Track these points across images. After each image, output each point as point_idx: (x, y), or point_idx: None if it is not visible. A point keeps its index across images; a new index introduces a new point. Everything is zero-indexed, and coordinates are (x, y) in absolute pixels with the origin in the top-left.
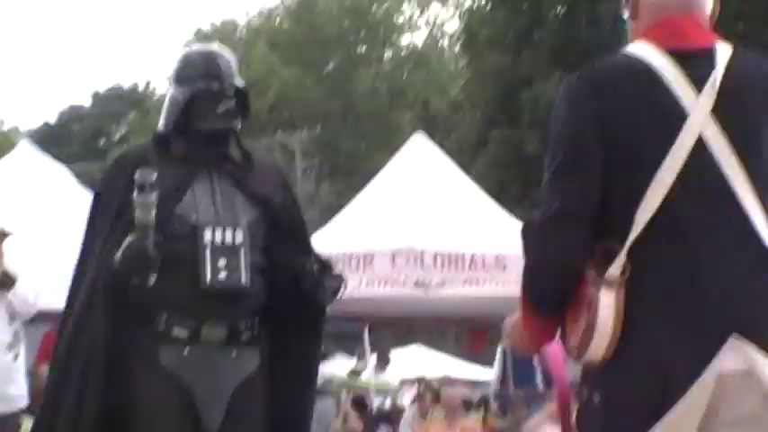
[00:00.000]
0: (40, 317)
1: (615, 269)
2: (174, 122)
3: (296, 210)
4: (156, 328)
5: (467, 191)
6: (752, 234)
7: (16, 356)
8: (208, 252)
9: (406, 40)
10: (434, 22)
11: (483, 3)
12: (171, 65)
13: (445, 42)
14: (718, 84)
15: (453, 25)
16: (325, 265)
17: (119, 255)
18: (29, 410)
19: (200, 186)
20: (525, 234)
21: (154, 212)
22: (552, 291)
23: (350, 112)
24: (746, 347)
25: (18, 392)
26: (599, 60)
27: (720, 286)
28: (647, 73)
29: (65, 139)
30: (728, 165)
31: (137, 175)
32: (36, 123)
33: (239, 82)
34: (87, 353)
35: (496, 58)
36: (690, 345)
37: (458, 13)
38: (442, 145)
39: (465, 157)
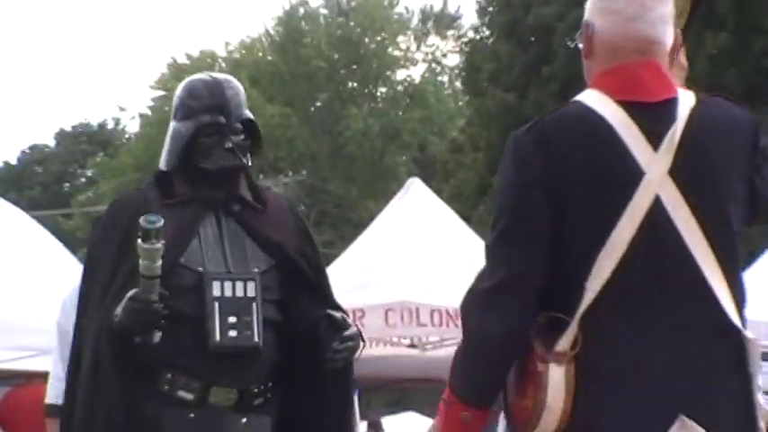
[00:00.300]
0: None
1: (565, 343)
2: (178, 160)
3: (314, 256)
4: (160, 391)
5: (467, 241)
6: (712, 303)
7: None
8: (216, 307)
9: (401, 75)
10: (433, 56)
11: (486, 35)
12: (173, 98)
13: (445, 78)
14: (677, 139)
15: (454, 59)
16: (338, 323)
17: (119, 309)
18: None
19: (207, 232)
20: (466, 306)
21: (160, 262)
22: (492, 372)
23: (339, 155)
24: (694, 429)
25: None
26: (549, 112)
27: (673, 362)
28: (599, 126)
29: (26, 182)
30: (687, 228)
31: (141, 221)
32: None
33: (248, 114)
34: (107, 416)
35: (500, 96)
36: (638, 425)
37: (459, 46)
38: (440, 191)
39: (465, 205)
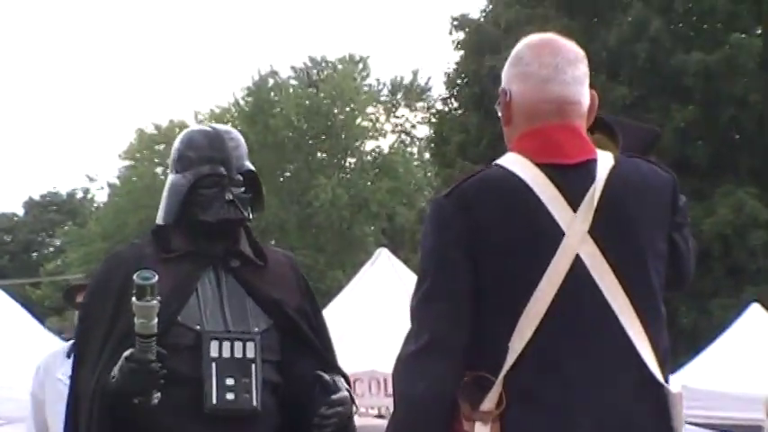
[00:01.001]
0: None
1: (490, 402)
2: (176, 213)
3: (315, 315)
4: None
5: None
6: (633, 357)
7: None
8: (214, 368)
9: (370, 145)
10: (402, 127)
11: (455, 106)
12: (171, 151)
13: (414, 149)
14: (596, 199)
15: (423, 131)
16: (327, 386)
17: (116, 370)
18: None
19: (205, 288)
20: (394, 371)
21: (156, 320)
22: (425, 426)
23: (308, 224)
24: None
25: None
26: (469, 175)
27: (595, 420)
28: (519, 189)
29: None
30: (608, 286)
31: (135, 277)
32: None
33: (249, 166)
34: None
35: (469, 167)
36: None
37: (428, 117)
38: (408, 261)
39: None
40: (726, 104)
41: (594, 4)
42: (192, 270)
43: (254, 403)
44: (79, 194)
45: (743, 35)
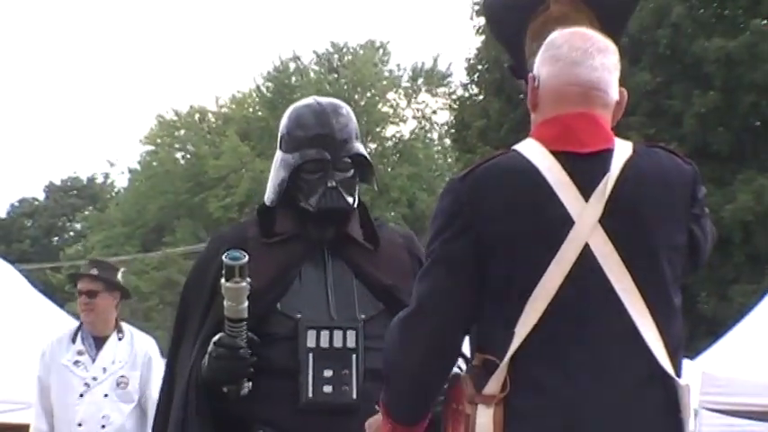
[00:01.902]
0: None
1: (494, 386)
2: (280, 196)
3: None
4: None
5: None
6: (641, 348)
7: None
8: (310, 359)
9: (390, 131)
10: (423, 113)
11: (476, 92)
12: (279, 127)
13: (434, 135)
14: (609, 189)
15: (443, 116)
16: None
17: (205, 361)
18: None
19: (309, 274)
20: (387, 332)
21: (246, 303)
22: (415, 391)
23: None
24: None
25: None
26: (485, 159)
27: (599, 408)
28: (531, 175)
29: (15, 236)
30: (617, 276)
31: (224, 257)
32: None
33: (358, 148)
34: None
35: (489, 153)
36: None
37: (448, 103)
38: None
39: None
40: (747, 91)
41: None
42: (295, 255)
43: (354, 396)
44: (100, 179)
45: (764, 21)
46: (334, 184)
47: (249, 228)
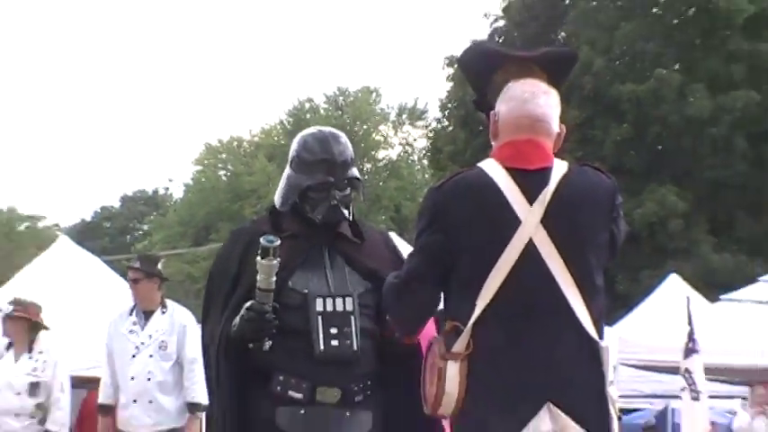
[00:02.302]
0: (78, 382)
1: (460, 346)
2: (291, 205)
3: None
4: (273, 391)
5: None
6: (572, 319)
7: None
8: (320, 321)
9: (382, 154)
10: (406, 141)
11: (447, 124)
12: (292, 149)
13: (415, 157)
14: (548, 197)
15: (422, 143)
16: None
17: (237, 319)
18: None
19: (312, 261)
20: (384, 289)
21: (275, 278)
22: (406, 325)
23: None
24: (559, 413)
25: None
26: (455, 173)
27: (542, 363)
28: (489, 186)
29: (98, 234)
30: (554, 263)
31: (261, 240)
32: (73, 220)
33: (353, 173)
34: (222, 416)
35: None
36: (515, 409)
37: (426, 133)
38: (411, 242)
39: None
40: (652, 124)
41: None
42: (300, 246)
43: (354, 348)
44: (161, 191)
45: (665, 71)
46: (335, 202)
47: (262, 224)
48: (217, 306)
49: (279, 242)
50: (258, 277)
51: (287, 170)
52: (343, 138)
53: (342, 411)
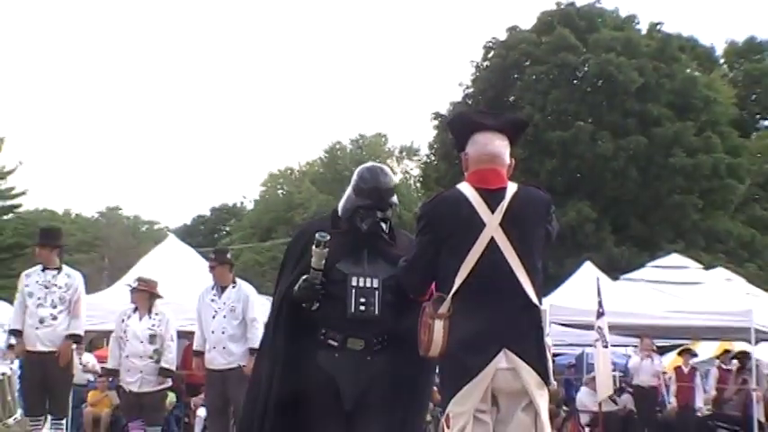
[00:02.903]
0: (181, 335)
1: (443, 309)
2: (348, 215)
3: None
4: (317, 339)
5: None
6: (521, 292)
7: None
8: (353, 292)
9: None
10: (406, 170)
11: (433, 159)
12: (351, 179)
13: (411, 181)
14: (504, 208)
15: (416, 172)
16: None
17: (296, 288)
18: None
19: (355, 253)
20: (399, 271)
21: (324, 261)
22: (413, 290)
23: None
24: (512, 355)
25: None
26: (440, 192)
27: (500, 321)
28: (463, 201)
29: (195, 234)
30: (509, 254)
31: (316, 234)
32: (178, 224)
33: (394, 200)
34: (275, 354)
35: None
36: (481, 352)
37: (419, 165)
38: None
39: None
40: (573, 159)
41: (502, 106)
42: (348, 242)
43: (376, 313)
44: (239, 204)
45: (582, 123)
46: (378, 219)
47: (324, 222)
48: (285, 280)
49: (329, 237)
50: (312, 260)
51: (348, 190)
52: (389, 171)
53: (364, 356)
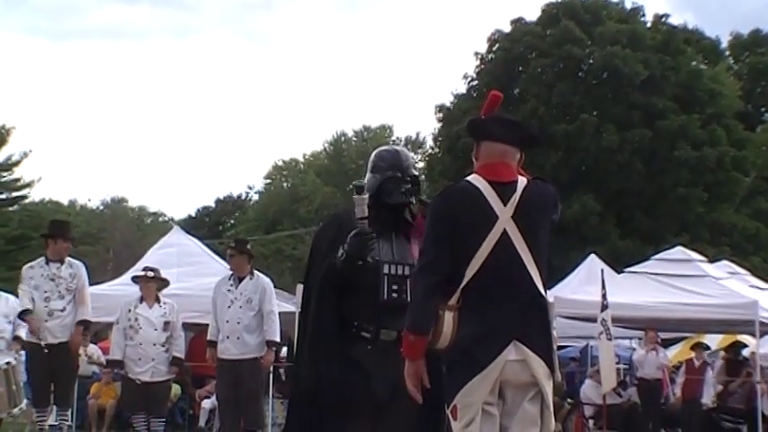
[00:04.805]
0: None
1: (453, 301)
2: (374, 192)
3: None
4: (351, 332)
5: None
6: (532, 285)
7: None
8: (386, 280)
9: None
10: None
11: (438, 151)
12: (369, 159)
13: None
14: (516, 200)
15: (421, 164)
16: None
17: (341, 251)
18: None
19: (384, 238)
20: (411, 277)
21: (367, 209)
22: (418, 310)
23: None
24: (522, 347)
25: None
26: (451, 185)
27: (511, 314)
28: (475, 193)
29: (200, 225)
30: (521, 247)
31: (355, 181)
32: (183, 215)
33: (414, 172)
34: (328, 345)
35: (447, 184)
36: (491, 344)
37: (424, 158)
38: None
39: None
40: (578, 152)
41: (507, 98)
42: (377, 229)
43: (408, 299)
44: (243, 196)
45: (587, 115)
46: (404, 189)
47: (348, 211)
48: (317, 263)
49: (365, 181)
50: (355, 209)
51: (368, 174)
52: (406, 152)
53: (397, 347)
